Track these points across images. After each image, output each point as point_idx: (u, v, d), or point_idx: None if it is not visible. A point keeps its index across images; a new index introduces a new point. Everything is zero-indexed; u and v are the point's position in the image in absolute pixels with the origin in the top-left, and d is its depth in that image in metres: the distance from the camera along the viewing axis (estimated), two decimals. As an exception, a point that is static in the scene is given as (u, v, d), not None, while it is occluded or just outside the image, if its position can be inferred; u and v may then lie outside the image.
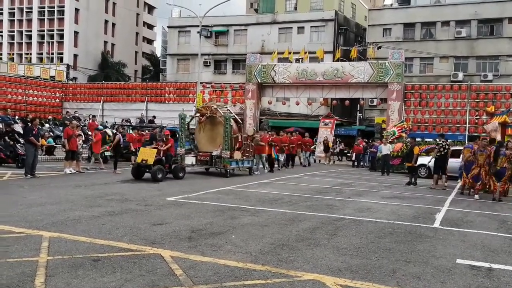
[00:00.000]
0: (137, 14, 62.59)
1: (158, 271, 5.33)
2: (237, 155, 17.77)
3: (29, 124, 15.61)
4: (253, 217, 9.05)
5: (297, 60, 35.40)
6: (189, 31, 48.20)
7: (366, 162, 27.70)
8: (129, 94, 34.60)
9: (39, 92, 34.06)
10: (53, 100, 35.21)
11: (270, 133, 23.22)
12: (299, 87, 30.55)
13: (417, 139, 22.89)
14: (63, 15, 50.60)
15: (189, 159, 17.77)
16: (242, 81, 33.61)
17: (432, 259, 6.47)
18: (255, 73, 30.56)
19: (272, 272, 5.49)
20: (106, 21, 55.74)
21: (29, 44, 52.51)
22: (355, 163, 27.95)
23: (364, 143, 28.51)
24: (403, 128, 26.00)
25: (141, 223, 7.93)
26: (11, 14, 52.62)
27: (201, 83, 32.96)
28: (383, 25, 43.14)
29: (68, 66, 48.85)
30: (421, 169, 20.94)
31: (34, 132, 14.57)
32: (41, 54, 51.12)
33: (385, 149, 22.63)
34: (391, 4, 46.33)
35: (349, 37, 46.02)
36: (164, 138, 16.54)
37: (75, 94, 36.31)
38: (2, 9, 52.86)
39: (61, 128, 24.77)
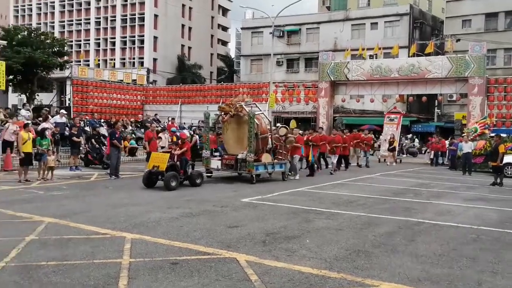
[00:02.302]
0: (212, 17, 64.10)
1: (234, 276, 5.42)
2: (266, 158, 15.69)
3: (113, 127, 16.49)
4: (328, 220, 8.95)
5: (371, 57, 34.61)
6: (262, 31, 48.69)
7: (445, 161, 26.43)
8: (205, 96, 35.49)
9: (122, 95, 35.88)
10: (134, 103, 36.92)
11: (309, 132, 19.93)
12: (373, 84, 29.81)
13: (502, 135, 21.49)
14: (143, 21, 53.26)
15: (215, 163, 16.08)
16: (314, 79, 33.43)
17: (522, 270, 6.05)
18: (328, 71, 30.20)
19: (347, 280, 5.40)
20: (183, 25, 57.74)
21: (113, 50, 55.61)
22: (434, 162, 26.67)
23: (434, 139, 27.08)
24: (485, 125, 24.57)
25: (217, 225, 8.12)
26: (97, 23, 56.05)
27: (274, 82, 33.12)
28: (462, 16, 41.10)
29: (148, 70, 51.02)
30: (507, 168, 19.67)
31: (117, 135, 15.40)
32: (124, 59, 54.05)
33: (467, 146, 21.49)
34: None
35: (425, 31, 44.25)
36: (180, 141, 14.60)
37: (155, 96, 37.83)
38: (89, 19, 56.55)
39: (142, 130, 25.91)
